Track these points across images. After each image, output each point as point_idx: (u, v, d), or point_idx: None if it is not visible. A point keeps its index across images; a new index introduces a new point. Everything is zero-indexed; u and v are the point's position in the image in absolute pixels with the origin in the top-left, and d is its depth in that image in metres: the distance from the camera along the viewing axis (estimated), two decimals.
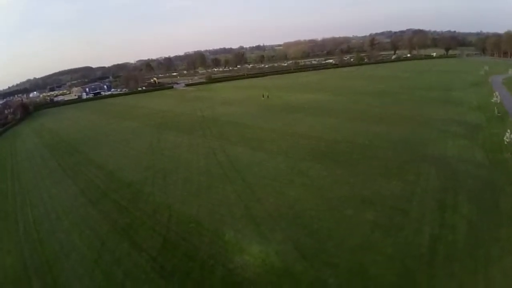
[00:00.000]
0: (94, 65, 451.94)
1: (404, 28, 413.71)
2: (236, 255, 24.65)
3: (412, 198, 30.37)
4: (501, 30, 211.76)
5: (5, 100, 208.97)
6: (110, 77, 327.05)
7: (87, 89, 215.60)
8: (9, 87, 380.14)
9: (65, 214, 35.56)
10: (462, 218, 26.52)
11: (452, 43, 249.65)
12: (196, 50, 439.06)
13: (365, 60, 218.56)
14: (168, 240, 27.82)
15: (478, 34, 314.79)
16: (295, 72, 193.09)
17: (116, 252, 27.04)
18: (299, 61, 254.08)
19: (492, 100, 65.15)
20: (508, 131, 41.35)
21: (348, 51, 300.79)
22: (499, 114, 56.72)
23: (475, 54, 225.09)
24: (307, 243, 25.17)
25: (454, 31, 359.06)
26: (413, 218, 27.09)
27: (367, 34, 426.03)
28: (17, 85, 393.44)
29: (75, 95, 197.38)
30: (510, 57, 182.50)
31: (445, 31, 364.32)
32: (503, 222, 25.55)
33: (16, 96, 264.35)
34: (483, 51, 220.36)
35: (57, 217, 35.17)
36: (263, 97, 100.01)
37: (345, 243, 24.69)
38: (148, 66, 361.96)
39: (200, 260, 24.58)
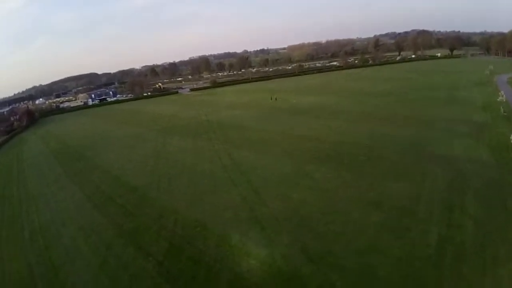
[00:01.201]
0: (100, 71, 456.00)
1: (408, 29, 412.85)
2: (242, 259, 24.54)
3: (419, 199, 30.10)
4: (505, 29, 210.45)
5: (11, 107, 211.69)
6: (116, 83, 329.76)
7: (92, 95, 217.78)
8: (14, 94, 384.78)
9: (71, 219, 35.74)
10: (470, 218, 26.22)
11: (456, 43, 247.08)
12: (200, 55, 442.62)
13: (370, 62, 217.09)
14: (174, 244, 27.80)
15: (482, 33, 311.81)
16: (299, 75, 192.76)
17: (122, 257, 27.07)
18: (304, 64, 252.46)
19: (498, 100, 64.72)
20: None
21: (353, 53, 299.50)
22: (505, 113, 56.18)
23: (480, 53, 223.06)
24: (314, 246, 24.97)
25: (459, 31, 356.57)
26: (420, 219, 26.83)
27: (371, 35, 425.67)
28: (22, 92, 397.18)
29: (81, 102, 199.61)
30: None
31: (449, 31, 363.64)
32: (511, 222, 25.22)
33: (22, 103, 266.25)
34: (488, 50, 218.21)
35: (62, 223, 35.33)
36: (271, 99, 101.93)
37: (352, 245, 24.49)
38: (153, 71, 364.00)
39: (206, 264, 24.50)
